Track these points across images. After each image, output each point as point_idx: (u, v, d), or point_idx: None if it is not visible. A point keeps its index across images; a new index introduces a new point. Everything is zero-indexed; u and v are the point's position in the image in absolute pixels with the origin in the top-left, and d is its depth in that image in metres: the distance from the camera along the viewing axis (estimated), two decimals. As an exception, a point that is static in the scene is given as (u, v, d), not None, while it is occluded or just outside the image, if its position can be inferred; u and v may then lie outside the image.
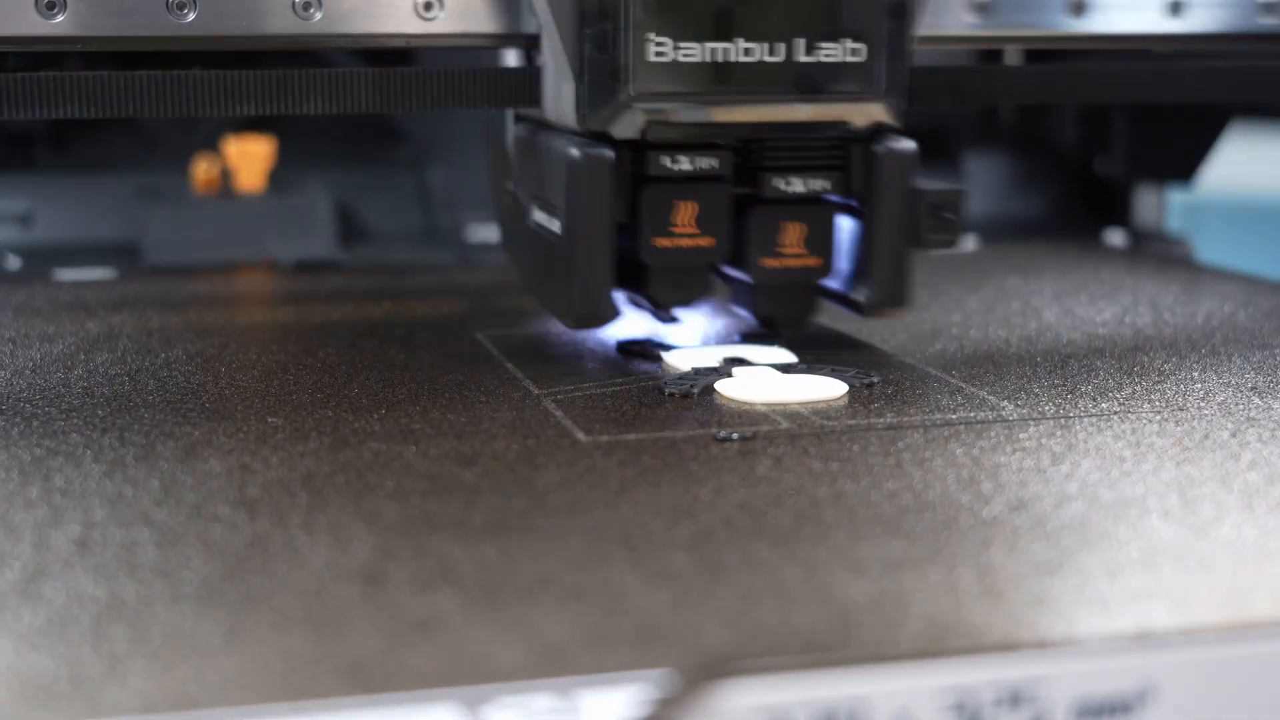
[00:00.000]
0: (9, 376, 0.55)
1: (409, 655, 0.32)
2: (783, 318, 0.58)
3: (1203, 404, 0.51)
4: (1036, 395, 0.52)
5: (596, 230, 0.53)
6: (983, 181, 1.00)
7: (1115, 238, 0.93)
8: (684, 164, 0.53)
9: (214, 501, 0.41)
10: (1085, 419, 0.49)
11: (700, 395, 0.52)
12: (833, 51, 0.53)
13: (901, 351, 0.59)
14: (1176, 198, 1.00)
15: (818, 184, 0.55)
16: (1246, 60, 0.68)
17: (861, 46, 0.53)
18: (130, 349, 0.60)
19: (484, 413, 0.50)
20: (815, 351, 0.58)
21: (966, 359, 0.58)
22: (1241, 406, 0.51)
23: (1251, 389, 0.53)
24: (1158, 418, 0.50)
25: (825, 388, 0.52)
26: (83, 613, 0.34)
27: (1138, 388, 0.53)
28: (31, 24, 0.53)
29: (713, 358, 0.56)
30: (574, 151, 0.52)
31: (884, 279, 0.56)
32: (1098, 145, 0.99)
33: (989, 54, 0.96)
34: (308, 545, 0.38)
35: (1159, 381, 0.54)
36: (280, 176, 0.88)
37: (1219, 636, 0.33)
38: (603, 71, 0.52)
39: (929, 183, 0.56)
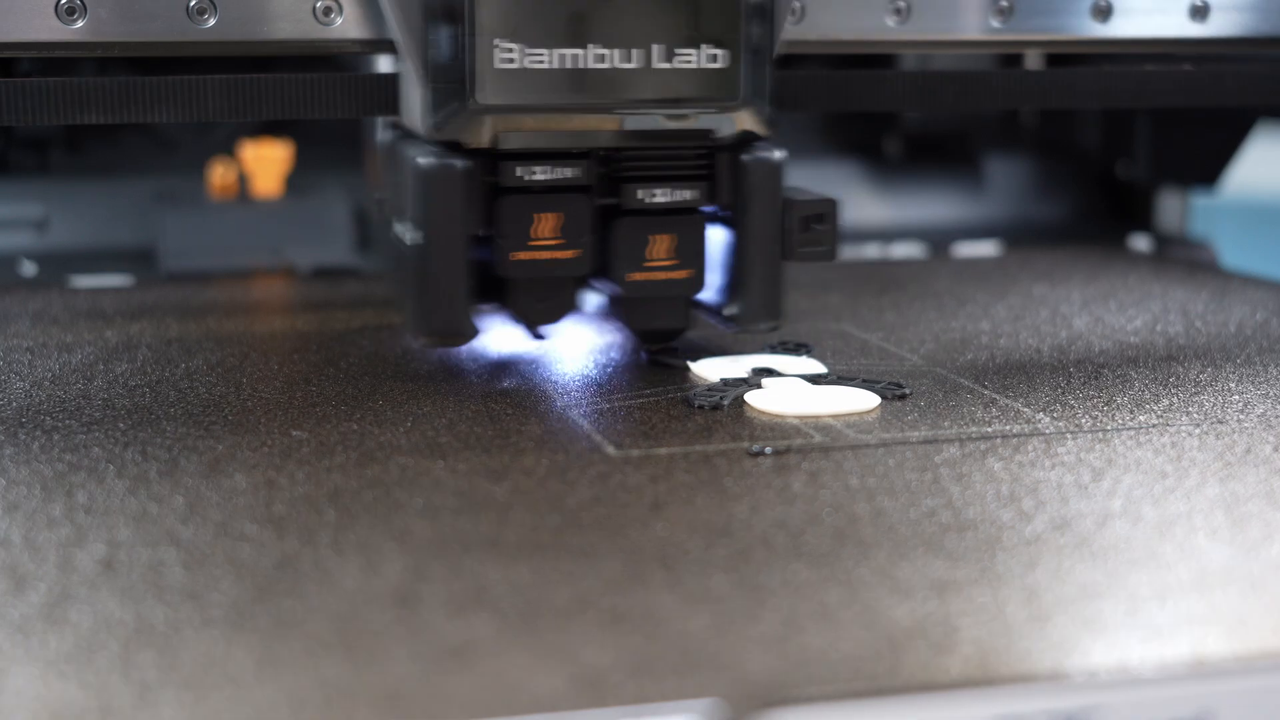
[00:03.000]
0: (28, 388, 0.54)
1: (447, 683, 0.31)
2: (656, 332, 0.57)
3: (1242, 416, 0.50)
4: (1072, 407, 0.52)
5: (449, 243, 0.51)
6: (1004, 185, 0.99)
7: (1140, 243, 0.92)
8: (541, 174, 0.51)
9: (240, 519, 0.41)
10: (1123, 432, 0.49)
11: (730, 407, 0.51)
12: (690, 58, 0.51)
13: (931, 361, 0.58)
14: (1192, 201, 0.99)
15: (684, 195, 0.53)
16: (1274, 64, 0.67)
17: (722, 52, 0.51)
18: (150, 359, 0.59)
19: (511, 426, 0.49)
20: (843, 361, 0.57)
21: (998, 369, 0.57)
22: (1282, 419, 0.50)
23: (1290, 401, 0.52)
24: (1197, 431, 0.49)
25: (857, 400, 0.51)
26: (110, 638, 0.33)
27: (1175, 399, 0.53)
28: (51, 29, 0.52)
29: (741, 368, 0.55)
30: (423, 161, 0.50)
31: (756, 292, 0.54)
32: (1120, 149, 0.98)
33: (1009, 59, 0.95)
34: (338, 566, 0.37)
35: (1196, 393, 0.54)
36: (297, 181, 0.87)
37: (1278, 663, 0.32)
38: (450, 78, 0.50)
39: (800, 192, 0.54)
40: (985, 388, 0.54)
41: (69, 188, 0.88)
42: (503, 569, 0.37)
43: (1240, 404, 0.52)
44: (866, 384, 0.53)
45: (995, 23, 0.60)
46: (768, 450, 0.46)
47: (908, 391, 0.53)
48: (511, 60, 0.50)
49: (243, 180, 0.87)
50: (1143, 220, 0.97)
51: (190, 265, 0.81)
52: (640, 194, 0.53)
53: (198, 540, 0.39)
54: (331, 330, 0.65)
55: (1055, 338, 0.63)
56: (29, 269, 0.82)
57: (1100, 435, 0.48)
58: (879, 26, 0.59)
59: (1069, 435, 0.48)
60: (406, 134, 0.55)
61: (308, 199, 0.87)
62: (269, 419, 0.50)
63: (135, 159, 0.90)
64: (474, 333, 0.52)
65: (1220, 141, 0.93)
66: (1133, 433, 0.49)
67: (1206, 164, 0.95)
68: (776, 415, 0.50)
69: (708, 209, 0.54)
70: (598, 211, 0.53)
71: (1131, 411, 0.51)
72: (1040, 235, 0.95)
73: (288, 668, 0.32)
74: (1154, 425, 0.49)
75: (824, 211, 0.54)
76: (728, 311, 0.54)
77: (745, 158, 0.53)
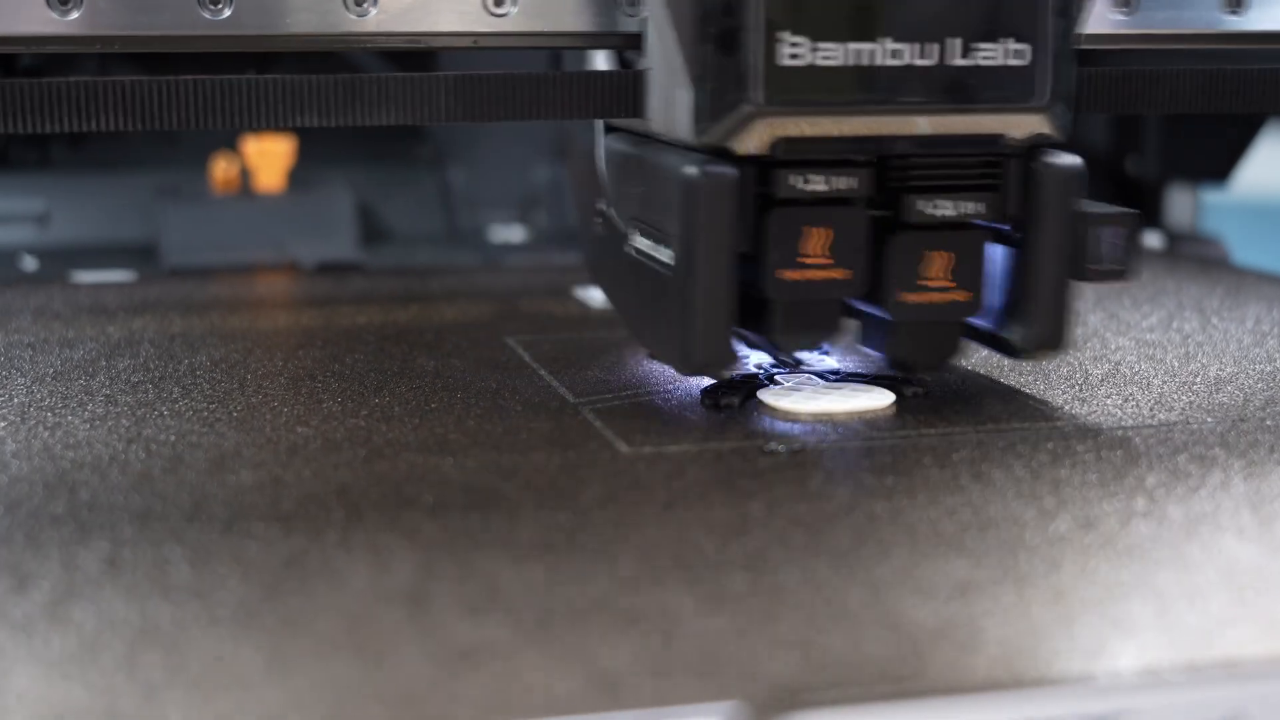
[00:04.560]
0: (29, 383, 0.54)
1: (460, 686, 0.30)
2: (922, 360, 0.50)
3: (1263, 414, 0.50)
4: (1090, 404, 0.51)
5: (718, 263, 0.45)
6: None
7: (1151, 239, 0.91)
8: (817, 184, 0.46)
9: (247, 517, 0.40)
10: (1144, 430, 0.48)
11: (742, 404, 0.51)
12: (992, 54, 0.46)
13: (945, 358, 0.57)
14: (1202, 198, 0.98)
15: (969, 207, 0.47)
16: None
17: (1025, 48, 0.46)
18: (153, 355, 0.58)
19: (521, 423, 0.49)
20: (857, 357, 0.57)
21: (1013, 365, 0.56)
22: (1304, 417, 0.49)
23: (1312, 398, 0.52)
24: (1219, 429, 0.48)
25: (872, 397, 0.51)
26: (115, 638, 0.32)
27: (1194, 396, 0.52)
28: (41, 21, 0.47)
29: (751, 362, 0.54)
30: (691, 170, 0.45)
31: (1042, 317, 0.48)
32: (1130, 145, 0.97)
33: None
34: (347, 564, 0.37)
35: (1215, 390, 0.53)
36: (300, 176, 0.87)
37: (1312, 666, 0.32)
38: (726, 76, 0.45)
39: (1096, 205, 0.49)
40: (1001, 384, 0.53)
41: (70, 182, 0.87)
42: (515, 568, 0.36)
43: (1262, 401, 0.51)
44: (881, 380, 0.53)
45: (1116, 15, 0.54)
46: (782, 448, 0.46)
47: (923, 388, 0.52)
48: (798, 56, 0.44)
49: (245, 175, 0.86)
50: (1152, 217, 0.96)
51: (193, 260, 0.80)
52: (923, 206, 0.47)
53: (203, 538, 0.38)
54: (336, 326, 0.64)
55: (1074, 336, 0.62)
56: (30, 264, 0.82)
57: (1120, 433, 0.48)
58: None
59: (1088, 433, 0.47)
60: (645, 139, 0.50)
61: (311, 193, 0.86)
62: (274, 415, 0.49)
63: (137, 154, 0.89)
64: (734, 359, 0.47)
65: (1231, 138, 0.92)
66: (1153, 430, 0.48)
67: (1217, 160, 0.94)
68: (790, 413, 0.50)
69: (983, 223, 0.48)
70: (871, 225, 0.47)
71: (1151, 409, 0.50)
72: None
73: (296, 668, 0.31)
74: (1175, 422, 0.49)
75: (1125, 225, 0.48)
76: (1008, 336, 0.49)
77: (1039, 165, 0.47)
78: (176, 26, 0.48)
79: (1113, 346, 0.60)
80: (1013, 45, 0.46)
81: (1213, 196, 0.99)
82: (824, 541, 0.38)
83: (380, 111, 0.49)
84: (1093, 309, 0.67)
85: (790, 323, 0.48)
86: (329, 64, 0.85)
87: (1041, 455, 0.45)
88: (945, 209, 0.47)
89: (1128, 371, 0.55)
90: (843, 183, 0.46)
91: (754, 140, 0.45)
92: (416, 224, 0.91)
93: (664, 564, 0.37)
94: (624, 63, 0.53)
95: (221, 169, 0.86)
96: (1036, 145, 0.47)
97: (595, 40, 0.51)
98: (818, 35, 0.45)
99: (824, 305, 0.48)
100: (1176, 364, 0.56)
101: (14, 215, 0.86)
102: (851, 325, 0.51)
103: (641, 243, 0.49)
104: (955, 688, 0.30)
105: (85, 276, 0.77)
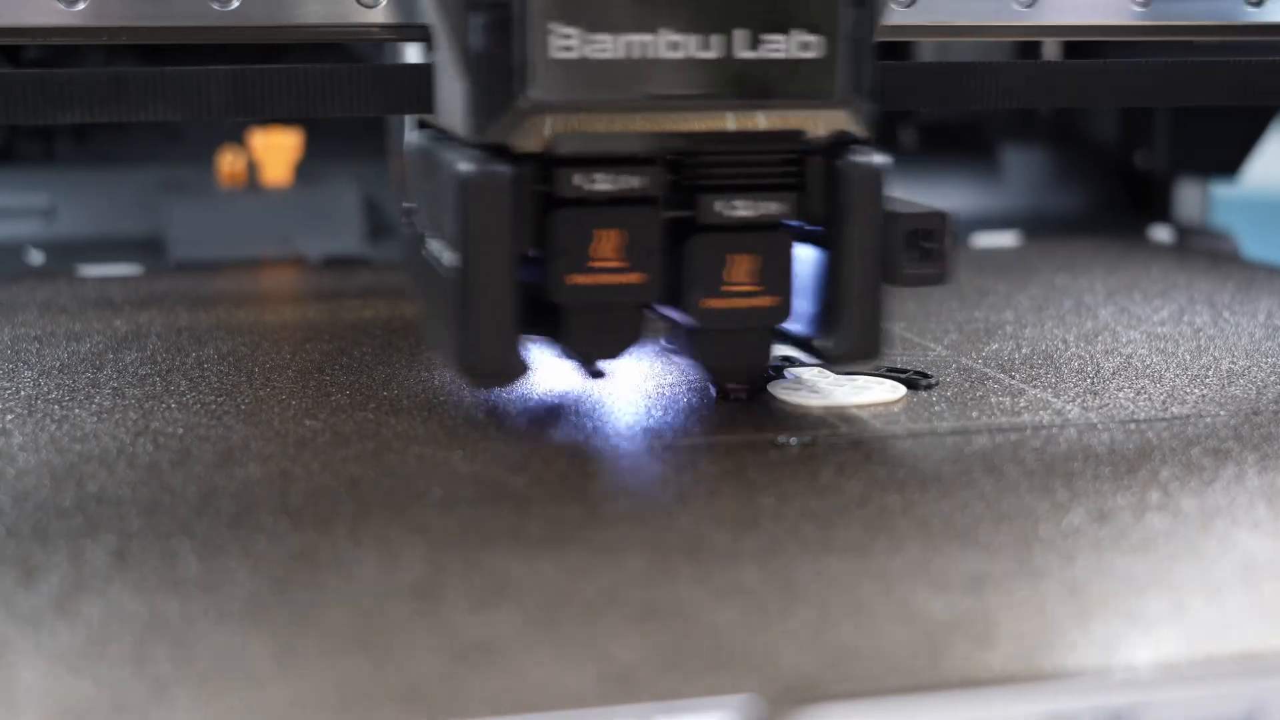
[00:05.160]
0: (36, 376, 0.53)
1: (470, 680, 0.30)
2: (735, 367, 0.48)
3: (1276, 407, 0.49)
4: (1102, 397, 0.50)
5: (496, 266, 0.43)
6: (1021, 176, 0.98)
7: (1161, 233, 0.91)
8: (604, 183, 0.43)
9: (256, 510, 0.39)
10: (1157, 423, 0.47)
11: (753, 399, 0.50)
12: (780, 46, 0.44)
13: (956, 351, 0.57)
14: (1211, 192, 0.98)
15: (770, 207, 0.44)
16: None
17: (817, 39, 0.44)
18: (160, 348, 0.58)
19: (529, 414, 0.48)
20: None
21: (1024, 359, 0.56)
22: (1318, 410, 0.49)
23: (1325, 391, 0.51)
24: (1232, 422, 0.48)
25: (883, 391, 0.50)
26: (123, 631, 0.32)
27: (1207, 390, 0.51)
28: (48, 12, 0.47)
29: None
30: (464, 168, 0.42)
31: (852, 323, 0.45)
32: (1139, 139, 0.97)
33: (1027, 49, 0.93)
34: (356, 558, 0.36)
35: (1228, 383, 0.52)
36: (307, 169, 0.87)
37: (1331, 660, 0.31)
38: (497, 70, 0.42)
39: (905, 204, 0.46)
40: (1012, 378, 0.53)
41: (76, 176, 0.87)
42: (525, 562, 0.36)
43: (1275, 395, 0.51)
44: (891, 374, 0.52)
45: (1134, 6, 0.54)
46: (793, 441, 0.45)
47: (934, 382, 0.52)
48: (570, 48, 0.43)
49: (252, 168, 0.86)
50: (1161, 211, 0.96)
51: (199, 254, 0.80)
52: (719, 206, 0.44)
53: (212, 531, 0.38)
54: (343, 320, 0.64)
55: (1080, 328, 0.62)
56: (36, 258, 0.81)
57: (1133, 426, 0.47)
58: (1004, 11, 0.53)
59: (1101, 426, 0.47)
60: (441, 135, 0.47)
61: (318, 187, 0.86)
62: (282, 408, 0.49)
63: (143, 147, 0.89)
64: (523, 370, 0.44)
65: (1240, 132, 0.92)
66: (1166, 423, 0.47)
67: (1226, 154, 0.94)
68: (801, 406, 0.49)
69: (793, 224, 0.46)
70: (667, 227, 0.45)
71: (1164, 402, 0.50)
72: (1058, 226, 0.93)
73: (306, 662, 0.31)
74: (1187, 416, 0.48)
75: (934, 226, 0.46)
76: (819, 344, 0.46)
77: (843, 163, 0.45)
78: (184, 18, 0.48)
79: (1124, 340, 0.59)
80: (805, 37, 0.44)
81: (1222, 190, 0.98)
82: (836, 534, 0.38)
83: (151, 107, 0.48)
84: (1104, 303, 0.67)
85: (586, 330, 0.45)
86: (338, 55, 0.85)
87: (1054, 448, 0.45)
88: (744, 209, 0.45)
89: (1139, 365, 0.55)
90: (631, 181, 0.43)
91: (532, 137, 0.43)
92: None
93: (675, 557, 0.36)
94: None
95: (228, 163, 0.86)
96: (840, 143, 0.45)
97: (398, 32, 0.49)
98: (591, 26, 0.43)
99: (622, 311, 0.45)
100: (1188, 357, 0.56)
101: (20, 209, 0.86)
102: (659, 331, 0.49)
103: (434, 245, 0.47)
104: (971, 681, 0.30)
105: (91, 270, 0.77)
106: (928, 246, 0.46)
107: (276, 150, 0.85)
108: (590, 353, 0.46)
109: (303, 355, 0.57)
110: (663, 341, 0.50)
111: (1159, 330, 0.61)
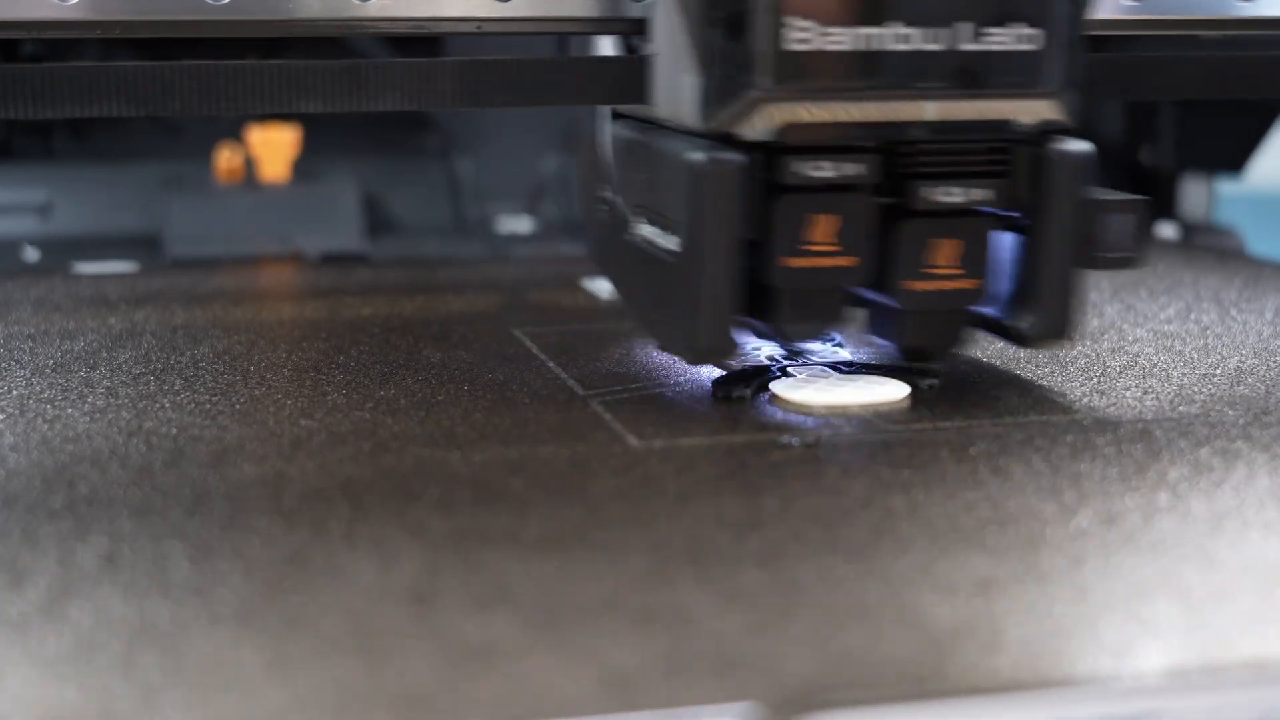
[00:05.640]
0: (28, 375, 0.53)
1: (468, 685, 0.29)
2: (930, 347, 0.51)
3: (1286, 407, 0.49)
4: (1109, 396, 0.50)
5: (723, 250, 0.45)
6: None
7: (1167, 230, 0.90)
8: (825, 171, 0.45)
9: (249, 512, 0.39)
10: (1165, 423, 0.47)
11: (754, 397, 0.50)
12: (1003, 39, 0.45)
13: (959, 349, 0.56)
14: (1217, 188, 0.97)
15: (978, 194, 0.47)
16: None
17: (1036, 32, 0.45)
18: (155, 346, 0.57)
19: (529, 415, 0.48)
20: (870, 349, 0.56)
21: (1030, 356, 0.55)
22: (1328, 409, 0.48)
23: (1335, 390, 0.51)
24: (1241, 421, 0.47)
25: (887, 389, 0.50)
26: (112, 637, 0.31)
27: (1215, 389, 0.51)
28: (44, 6, 0.47)
29: (763, 354, 0.54)
30: (697, 157, 0.44)
31: (1050, 305, 0.47)
32: (1144, 135, 0.96)
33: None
34: (351, 561, 0.36)
35: (1236, 382, 0.52)
36: (305, 166, 0.86)
37: (1346, 666, 0.31)
38: (732, 61, 0.44)
39: (1105, 191, 0.48)
40: (1018, 376, 0.53)
41: (73, 172, 0.86)
42: (524, 565, 0.35)
43: (1283, 394, 0.50)
44: (895, 371, 0.52)
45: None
46: (796, 442, 0.45)
47: (938, 380, 0.51)
48: (805, 41, 0.44)
49: (250, 165, 0.85)
50: (1167, 207, 0.95)
51: (196, 251, 0.80)
52: (931, 192, 0.46)
53: (204, 533, 0.37)
54: (341, 318, 0.63)
55: (1086, 325, 0.61)
56: (31, 255, 0.81)
57: (1141, 426, 0.47)
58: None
59: (1108, 425, 0.47)
60: (648, 125, 0.49)
61: (316, 184, 0.85)
62: (278, 408, 0.48)
63: (140, 143, 0.88)
64: (735, 348, 0.46)
65: (1246, 128, 0.91)
66: (1174, 423, 0.47)
67: (1231, 151, 0.93)
68: (803, 405, 0.49)
69: (990, 210, 0.48)
70: (878, 212, 0.47)
71: (1172, 401, 0.49)
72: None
73: (299, 668, 0.30)
74: (1196, 415, 0.48)
75: (1134, 212, 0.48)
76: (1012, 326, 0.48)
77: (1048, 151, 0.46)
78: (179, 11, 0.48)
79: (1131, 338, 0.59)
80: (1023, 30, 0.45)
81: (1227, 187, 0.98)
82: (840, 537, 0.37)
83: (384, 97, 0.48)
84: (1110, 300, 0.67)
85: (795, 311, 0.47)
86: (334, 50, 0.85)
87: (1061, 448, 0.44)
88: (953, 196, 0.47)
89: (1146, 363, 0.54)
90: (851, 169, 0.45)
91: (760, 126, 0.45)
92: (423, 215, 0.90)
93: (676, 560, 0.36)
94: (629, 48, 0.52)
95: (226, 159, 0.85)
96: (1046, 131, 0.47)
97: (600, 25, 0.51)
98: (826, 20, 0.44)
99: (829, 293, 0.48)
100: (1196, 356, 0.56)
101: (16, 206, 0.85)
102: (857, 313, 0.51)
103: (647, 230, 0.49)
104: (977, 688, 0.29)
105: (87, 267, 0.77)
106: (1126, 232, 0.47)
107: (274, 146, 0.85)
108: (796, 332, 0.50)
109: (299, 354, 0.56)
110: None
111: (1166, 328, 0.61)
